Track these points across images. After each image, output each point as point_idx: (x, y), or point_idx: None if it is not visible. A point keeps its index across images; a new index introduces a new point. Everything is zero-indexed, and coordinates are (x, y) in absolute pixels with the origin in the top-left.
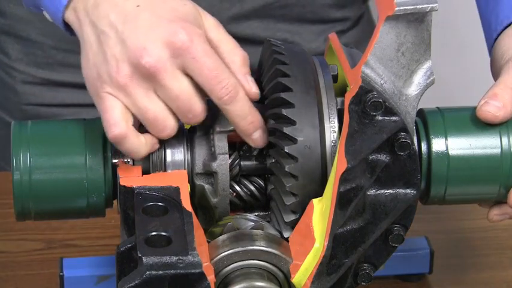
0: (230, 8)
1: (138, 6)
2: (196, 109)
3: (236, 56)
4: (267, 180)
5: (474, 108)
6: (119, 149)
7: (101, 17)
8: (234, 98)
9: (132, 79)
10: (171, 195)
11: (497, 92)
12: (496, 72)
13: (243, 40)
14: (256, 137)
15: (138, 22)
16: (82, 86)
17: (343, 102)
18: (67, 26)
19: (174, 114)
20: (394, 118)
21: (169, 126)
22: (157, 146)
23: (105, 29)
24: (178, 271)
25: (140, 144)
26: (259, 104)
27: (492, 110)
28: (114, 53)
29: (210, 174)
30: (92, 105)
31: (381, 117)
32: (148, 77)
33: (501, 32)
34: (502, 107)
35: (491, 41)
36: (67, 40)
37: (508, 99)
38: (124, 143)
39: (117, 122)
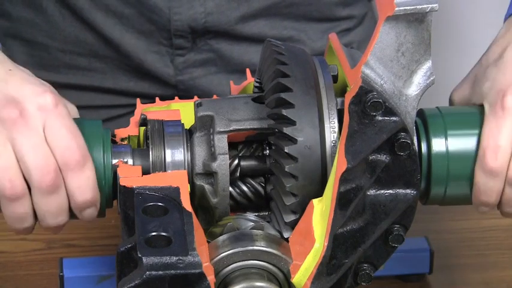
0: (237, 7)
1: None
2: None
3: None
4: (267, 181)
5: (474, 108)
6: None
7: None
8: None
9: None
10: (171, 195)
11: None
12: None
13: (249, 39)
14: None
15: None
16: (89, 88)
17: (343, 102)
18: None
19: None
20: (394, 118)
21: None
22: None
23: None
24: (178, 271)
25: None
26: (259, 104)
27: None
28: None
29: (210, 174)
30: (99, 107)
31: (381, 118)
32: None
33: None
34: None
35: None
36: (73, 42)
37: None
38: None
39: None
